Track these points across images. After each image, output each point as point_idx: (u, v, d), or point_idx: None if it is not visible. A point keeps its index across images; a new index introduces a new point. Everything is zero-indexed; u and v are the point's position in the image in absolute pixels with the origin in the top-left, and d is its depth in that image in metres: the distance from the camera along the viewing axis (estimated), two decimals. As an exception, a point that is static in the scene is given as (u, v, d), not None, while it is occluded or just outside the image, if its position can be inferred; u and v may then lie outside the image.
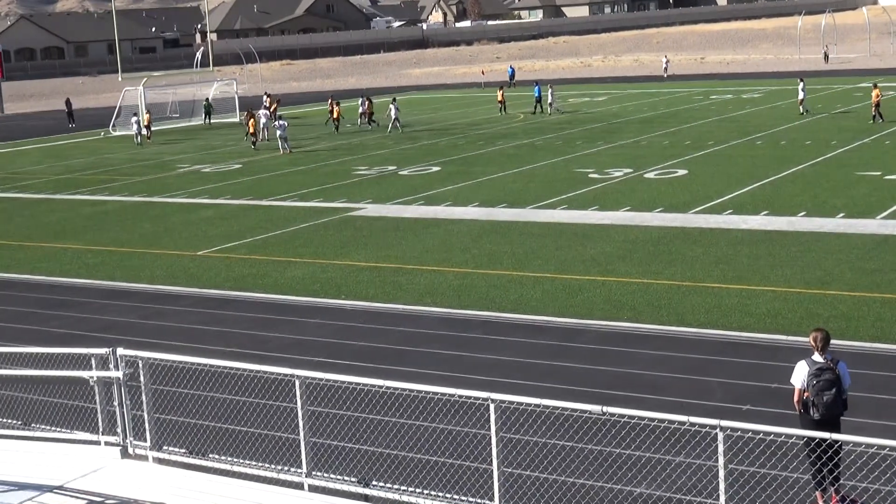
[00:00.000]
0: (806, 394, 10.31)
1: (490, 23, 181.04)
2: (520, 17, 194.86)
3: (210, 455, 11.47)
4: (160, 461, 11.51)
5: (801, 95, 47.01)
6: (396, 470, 11.39)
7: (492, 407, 9.47)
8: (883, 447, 8.23)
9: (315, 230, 26.91)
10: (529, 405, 9.49)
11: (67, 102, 69.50)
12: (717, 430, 8.61)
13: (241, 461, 11.21)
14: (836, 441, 8.88)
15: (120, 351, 11.41)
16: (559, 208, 27.81)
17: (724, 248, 21.94)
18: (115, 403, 11.55)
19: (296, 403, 10.47)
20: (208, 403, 13.09)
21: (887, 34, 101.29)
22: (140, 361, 11.34)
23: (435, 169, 36.72)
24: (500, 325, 17.66)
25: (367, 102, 54.21)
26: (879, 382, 13.78)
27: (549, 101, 54.90)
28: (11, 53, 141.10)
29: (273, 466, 11.00)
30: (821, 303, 17.60)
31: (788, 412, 11.32)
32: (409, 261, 22.63)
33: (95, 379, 11.59)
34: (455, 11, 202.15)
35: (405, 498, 10.16)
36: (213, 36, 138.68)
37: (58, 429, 12.64)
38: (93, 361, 11.58)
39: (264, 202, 31.82)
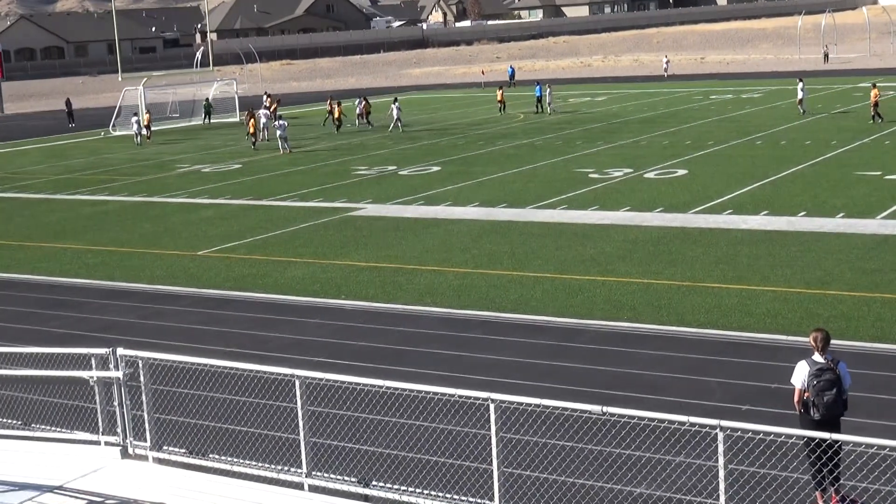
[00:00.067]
0: (806, 394, 10.31)
1: (490, 23, 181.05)
2: (520, 17, 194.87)
3: (210, 455, 11.47)
4: (160, 461, 11.50)
5: (800, 95, 47.02)
6: (396, 470, 11.39)
7: (492, 407, 9.47)
8: (883, 447, 8.23)
9: (315, 230, 26.91)
10: (529, 405, 9.49)
11: (67, 102, 69.52)
12: (717, 430, 8.61)
13: (241, 461, 11.21)
14: (836, 441, 8.88)
15: (120, 351, 11.41)
16: (559, 208, 27.81)
17: (724, 248, 21.94)
18: (115, 403, 11.55)
19: (296, 403, 10.47)
20: (208, 403, 13.08)
21: (887, 34, 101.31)
22: (140, 361, 11.34)
23: (435, 169, 36.72)
24: (499, 325, 17.66)
25: (363, 102, 54.18)
26: (879, 382, 13.78)
27: (548, 101, 54.90)
28: (11, 53, 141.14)
29: (273, 466, 11.00)
30: (821, 303, 17.60)
31: (788, 412, 11.32)
32: (409, 261, 22.63)
33: (95, 379, 11.59)
34: (455, 11, 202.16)
35: (405, 498, 10.16)
36: (213, 36, 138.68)
37: (58, 429, 12.64)
38: (93, 361, 11.58)
39: (264, 202, 31.82)
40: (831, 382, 10.19)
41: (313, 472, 10.65)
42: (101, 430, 11.86)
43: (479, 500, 10.01)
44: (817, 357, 10.35)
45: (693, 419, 8.70)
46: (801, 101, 46.92)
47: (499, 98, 56.32)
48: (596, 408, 9.12)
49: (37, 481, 11.09)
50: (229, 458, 11.34)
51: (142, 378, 11.36)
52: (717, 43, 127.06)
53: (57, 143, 55.97)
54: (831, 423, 10.15)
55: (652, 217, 25.75)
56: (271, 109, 54.15)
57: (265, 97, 59.21)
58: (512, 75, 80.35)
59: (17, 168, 45.71)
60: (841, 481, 10.17)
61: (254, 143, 47.29)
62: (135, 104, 57.66)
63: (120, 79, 66.52)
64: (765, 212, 25.47)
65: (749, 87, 65.30)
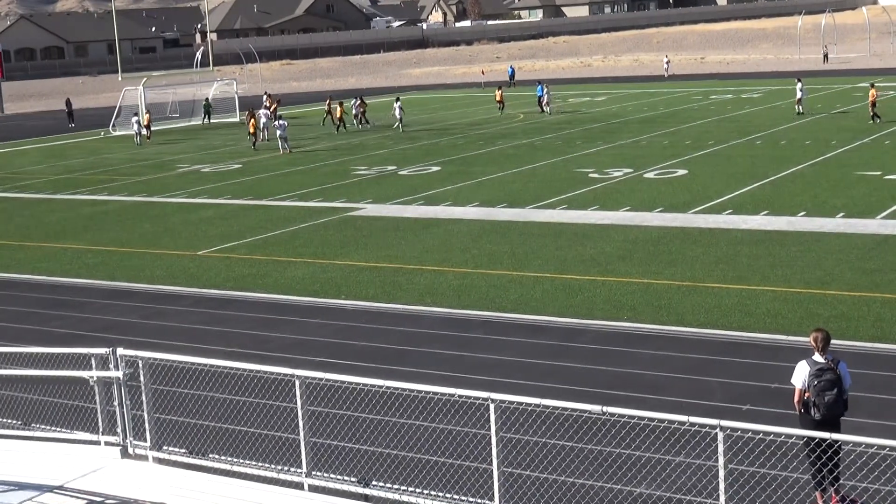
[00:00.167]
0: (807, 394, 10.32)
1: (490, 23, 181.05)
2: (520, 17, 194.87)
3: (210, 455, 11.47)
4: (160, 461, 11.50)
5: (798, 95, 47.03)
6: (396, 470, 11.39)
7: (492, 407, 9.47)
8: (883, 447, 8.23)
9: (315, 230, 26.91)
10: (529, 405, 9.49)
11: (68, 102, 69.53)
12: (717, 430, 8.61)
13: (241, 461, 11.21)
14: (836, 441, 8.88)
15: (120, 351, 11.40)
16: (559, 208, 27.82)
17: (724, 248, 21.95)
18: (115, 403, 11.54)
19: (296, 403, 10.47)
20: (208, 403, 13.09)
21: (887, 34, 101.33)
22: (140, 361, 11.34)
23: (435, 169, 36.73)
24: (500, 325, 17.66)
25: (359, 102, 54.20)
26: (879, 382, 13.78)
27: (545, 101, 54.85)
28: (11, 53, 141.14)
29: (273, 466, 11.00)
30: (821, 303, 17.61)
31: (788, 412, 11.32)
32: (409, 261, 22.63)
33: (95, 379, 11.59)
34: (455, 11, 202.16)
35: (405, 498, 10.16)
36: (213, 36, 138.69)
37: (58, 429, 12.64)
38: (93, 361, 11.58)
39: (264, 202, 31.83)
40: (832, 382, 10.19)
41: (313, 472, 10.65)
42: (101, 430, 11.86)
43: (479, 500, 10.01)
44: (817, 357, 10.35)
45: (693, 419, 8.70)
46: (799, 100, 46.93)
47: (498, 98, 56.33)
48: (596, 408, 9.12)
49: (37, 481, 11.09)
50: (229, 458, 11.34)
51: (142, 378, 11.36)
52: (717, 43, 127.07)
53: (57, 143, 55.97)
54: (832, 423, 10.16)
55: (652, 217, 25.75)
56: (271, 109, 54.15)
57: (265, 97, 59.20)
58: (512, 75, 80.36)
59: (16, 168, 45.72)
60: (841, 481, 10.18)
61: (254, 144, 47.30)
62: (135, 104, 57.67)
63: (120, 79, 66.55)
64: (765, 212, 25.47)
65: (749, 87, 65.30)
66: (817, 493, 10.34)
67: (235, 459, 11.30)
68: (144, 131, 53.65)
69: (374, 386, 10.40)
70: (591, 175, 33.11)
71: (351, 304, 19.48)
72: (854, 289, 18.34)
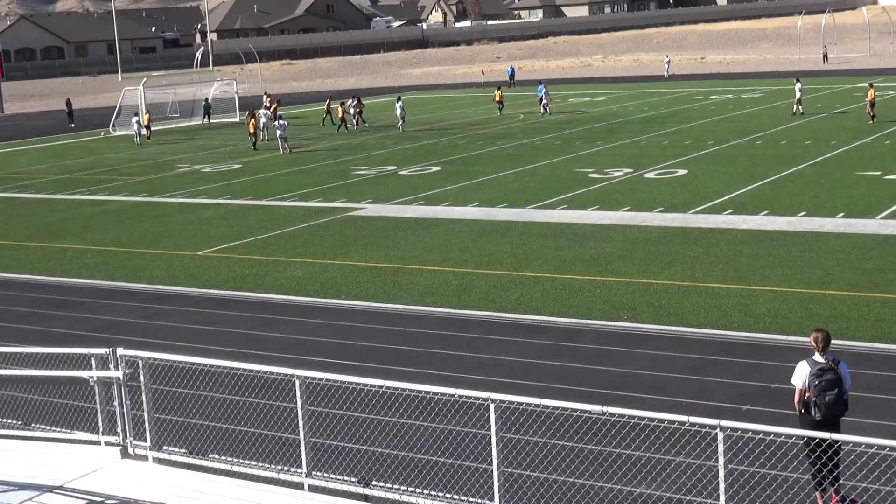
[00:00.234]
0: (807, 394, 10.32)
1: (490, 23, 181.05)
2: (520, 17, 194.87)
3: (210, 455, 11.47)
4: (160, 461, 11.51)
5: (797, 95, 47.04)
6: (396, 470, 11.39)
7: (492, 407, 9.47)
8: (883, 447, 8.23)
9: (315, 230, 26.91)
10: (529, 405, 9.49)
11: (68, 102, 69.54)
12: (717, 430, 8.61)
13: (241, 461, 11.21)
14: (836, 441, 8.88)
15: (120, 351, 11.41)
16: (559, 208, 27.81)
17: (724, 248, 21.94)
18: (115, 403, 11.54)
19: (296, 403, 10.47)
20: (208, 403, 13.09)
21: (887, 34, 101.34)
22: (140, 361, 11.34)
23: (435, 169, 36.73)
24: (500, 325, 17.66)
25: (356, 102, 54.20)
26: (879, 382, 13.78)
27: (544, 101, 54.80)
28: (11, 53, 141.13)
29: (273, 466, 11.00)
30: (821, 303, 17.60)
31: (788, 412, 11.32)
32: (409, 261, 22.63)
33: (95, 379, 11.59)
34: (455, 11, 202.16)
35: (405, 498, 10.16)
36: (213, 36, 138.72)
37: (58, 429, 12.64)
38: (93, 361, 11.58)
39: (264, 202, 31.83)
40: (833, 382, 10.20)
41: (313, 472, 10.65)
42: (101, 430, 11.86)
43: (479, 500, 10.01)
44: (818, 357, 10.36)
45: (693, 419, 8.71)
46: (799, 101, 46.94)
47: (497, 98, 56.33)
48: (596, 408, 9.12)
49: (37, 481, 11.09)
50: (229, 458, 11.34)
51: (142, 378, 11.36)
52: (717, 43, 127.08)
53: (57, 143, 55.97)
54: (832, 424, 10.16)
55: (652, 217, 25.75)
56: (271, 109, 54.17)
57: (265, 97, 59.20)
58: (512, 75, 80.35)
59: (17, 168, 45.71)
60: (841, 481, 10.18)
61: (254, 144, 47.29)
62: (135, 104, 57.67)
63: (120, 79, 66.55)
64: (765, 212, 25.47)
65: (749, 87, 65.31)
66: (817, 493, 10.34)
67: (235, 459, 11.30)
68: (144, 131, 53.66)
69: (374, 386, 10.40)
70: (591, 175, 33.11)
71: (351, 303, 19.47)
72: (854, 289, 18.34)
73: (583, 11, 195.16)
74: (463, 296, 19.51)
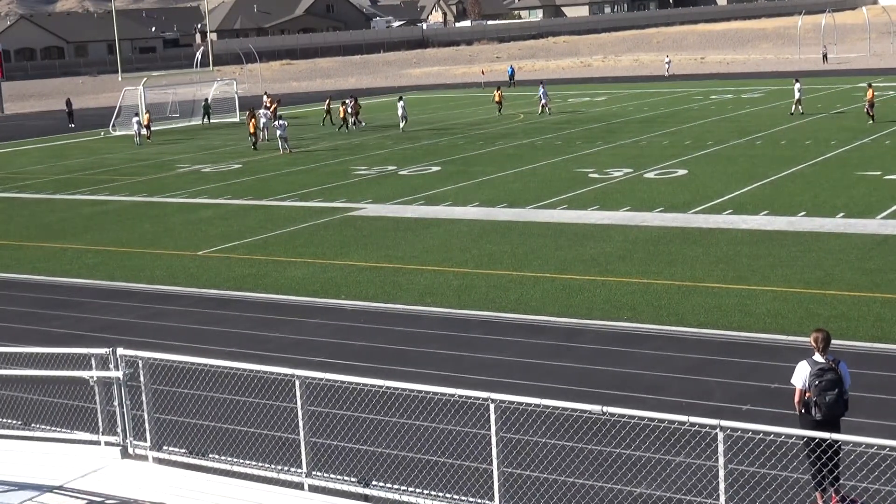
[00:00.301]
0: (808, 394, 10.32)
1: (490, 23, 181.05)
2: (520, 17, 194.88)
3: (210, 455, 11.47)
4: (160, 461, 11.51)
5: (797, 96, 47.04)
6: (396, 470, 11.39)
7: (492, 407, 9.47)
8: (883, 447, 8.23)
9: (315, 230, 26.91)
10: (529, 405, 9.49)
11: (68, 102, 69.53)
12: (717, 430, 8.61)
13: (241, 461, 11.21)
14: (836, 441, 8.88)
15: (120, 351, 11.41)
16: (559, 208, 27.81)
17: (724, 248, 21.94)
18: (115, 403, 11.55)
19: (296, 403, 10.47)
20: (208, 403, 13.08)
21: (887, 34, 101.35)
22: (140, 361, 11.34)
23: (435, 169, 36.73)
24: (500, 325, 17.66)
25: (354, 103, 54.22)
26: (879, 382, 13.78)
27: (542, 101, 54.78)
28: (11, 53, 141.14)
29: (273, 466, 11.00)
30: (821, 303, 17.60)
31: (788, 412, 11.32)
32: (409, 261, 22.63)
33: (95, 379, 11.59)
34: (455, 11, 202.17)
35: (405, 498, 10.16)
36: (213, 36, 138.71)
37: (58, 429, 12.64)
38: (93, 361, 11.58)
39: (264, 202, 31.83)
40: (833, 382, 10.20)
41: (313, 472, 10.65)
42: (101, 430, 11.86)
43: (479, 500, 10.01)
44: (818, 357, 10.36)
45: (693, 419, 8.71)
46: (798, 101, 46.95)
47: (496, 99, 56.32)
48: (596, 408, 9.12)
49: (37, 481, 11.09)
50: (229, 458, 11.34)
51: (142, 378, 11.36)
52: (717, 43, 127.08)
53: (57, 143, 55.97)
54: (832, 424, 10.16)
55: (652, 217, 25.75)
56: (271, 109, 54.18)
57: (265, 97, 59.20)
58: (512, 75, 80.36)
59: (17, 168, 45.71)
60: (841, 481, 10.18)
61: (254, 144, 47.30)
62: (135, 104, 57.66)
63: (120, 79, 66.55)
64: (765, 212, 25.47)
65: (749, 87, 65.31)
66: (817, 494, 10.34)
67: (235, 459, 11.30)
68: (144, 131, 53.66)
69: (374, 386, 10.40)
70: (591, 175, 33.11)
71: (350, 303, 19.47)
72: (854, 289, 18.34)
73: (583, 11, 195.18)
74: (463, 296, 19.51)
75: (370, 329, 17.81)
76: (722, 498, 8.82)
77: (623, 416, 9.11)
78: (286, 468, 10.89)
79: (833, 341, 10.79)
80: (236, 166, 41.15)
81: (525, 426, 11.95)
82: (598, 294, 19.02)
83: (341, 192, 32.60)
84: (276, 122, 46.23)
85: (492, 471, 9.70)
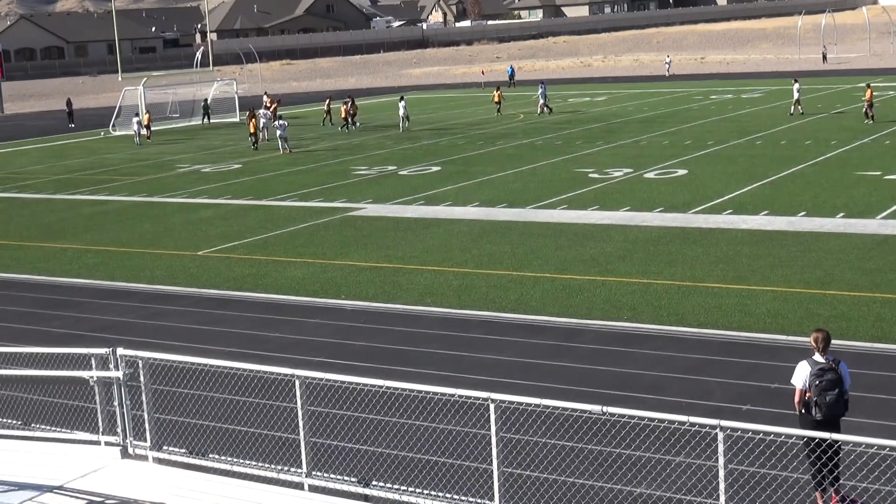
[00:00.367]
0: (808, 394, 10.32)
1: (490, 23, 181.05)
2: (520, 17, 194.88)
3: (210, 455, 11.47)
4: (160, 461, 11.51)
5: (795, 96, 47.05)
6: (396, 470, 11.39)
7: (492, 407, 9.47)
8: (883, 447, 8.23)
9: (315, 230, 26.91)
10: (529, 405, 9.49)
11: (68, 102, 69.53)
12: (717, 430, 8.61)
13: (241, 461, 11.21)
14: (836, 441, 8.88)
15: (120, 351, 11.41)
16: (559, 208, 27.81)
17: (724, 248, 21.94)
18: (115, 403, 11.55)
19: (296, 403, 10.47)
20: (208, 403, 13.08)
21: (887, 34, 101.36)
22: (140, 361, 11.34)
23: (435, 169, 36.72)
24: (500, 325, 17.66)
25: (351, 103, 54.20)
26: (879, 382, 13.78)
27: (541, 101, 54.76)
28: (11, 53, 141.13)
29: (273, 466, 11.00)
30: (821, 303, 17.60)
31: (788, 412, 11.32)
32: (409, 261, 22.63)
33: (95, 379, 11.59)
34: (455, 11, 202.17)
35: (405, 498, 10.16)
36: (213, 36, 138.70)
37: (58, 429, 12.64)
38: (93, 361, 11.58)
39: (264, 202, 31.83)
40: (833, 382, 10.20)
41: (313, 472, 10.65)
42: (101, 430, 11.86)
43: (479, 500, 10.01)
44: (818, 357, 10.36)
45: (693, 419, 8.71)
46: (797, 101, 46.95)
47: (495, 99, 56.31)
48: (596, 408, 9.12)
49: (37, 481, 11.09)
50: (229, 458, 11.34)
51: (142, 378, 11.36)
52: (717, 43, 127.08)
53: (57, 143, 55.97)
54: (832, 424, 10.16)
55: (652, 217, 25.75)
56: (271, 109, 54.18)
57: (265, 97, 59.20)
58: (512, 75, 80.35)
59: (17, 168, 45.71)
60: (841, 481, 10.18)
61: (254, 144, 47.30)
62: (135, 104, 57.66)
63: (120, 79, 66.55)
64: (765, 212, 25.47)
65: (749, 87, 65.31)
66: (817, 494, 10.34)
67: (235, 459, 11.30)
68: (144, 131, 53.66)
69: (373, 386, 10.40)
70: (591, 175, 33.11)
71: (350, 303, 19.47)
72: (854, 289, 18.34)
73: (583, 11, 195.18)
74: (463, 296, 19.51)
75: (370, 329, 17.82)
76: (722, 498, 8.82)
77: (623, 416, 9.11)
78: (286, 468, 10.89)
79: (833, 341, 10.79)
80: (236, 166, 41.15)
81: (525, 426, 11.95)
82: (598, 294, 19.02)
83: (341, 192, 32.60)
84: (276, 122, 46.23)
85: (492, 471, 9.70)
